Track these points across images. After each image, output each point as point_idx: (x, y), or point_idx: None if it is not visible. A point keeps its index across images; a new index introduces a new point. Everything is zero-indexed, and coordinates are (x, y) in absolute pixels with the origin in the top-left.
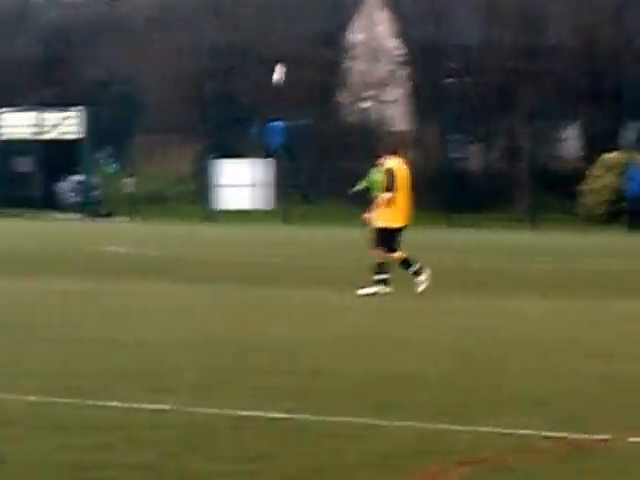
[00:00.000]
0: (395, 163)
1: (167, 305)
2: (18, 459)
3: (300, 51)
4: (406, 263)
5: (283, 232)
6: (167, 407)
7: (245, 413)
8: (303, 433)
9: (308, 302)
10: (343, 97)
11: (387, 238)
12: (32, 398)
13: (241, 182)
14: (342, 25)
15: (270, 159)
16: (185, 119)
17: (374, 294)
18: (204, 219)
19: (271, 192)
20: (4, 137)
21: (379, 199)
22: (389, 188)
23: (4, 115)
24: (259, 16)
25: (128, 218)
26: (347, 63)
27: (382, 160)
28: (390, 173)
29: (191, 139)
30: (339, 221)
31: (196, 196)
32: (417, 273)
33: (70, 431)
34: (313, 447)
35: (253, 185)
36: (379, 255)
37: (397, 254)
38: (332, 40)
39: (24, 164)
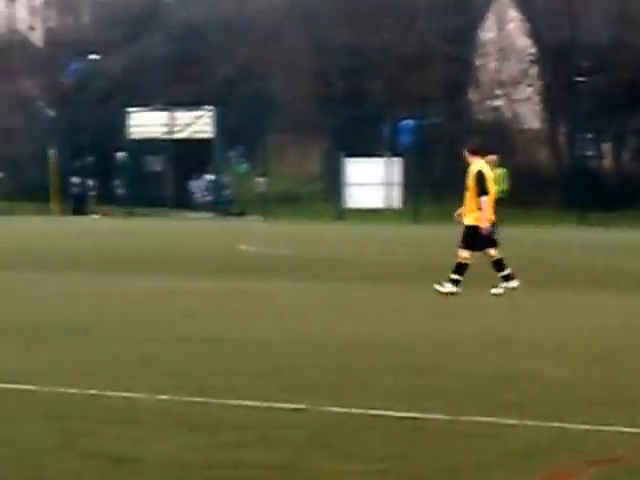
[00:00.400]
0: (481, 164)
1: (297, 304)
2: (150, 458)
3: (432, 49)
4: (464, 268)
5: (413, 231)
6: (299, 406)
7: (375, 412)
8: (433, 432)
9: (433, 301)
10: (474, 95)
11: (480, 235)
12: (163, 397)
13: (371, 181)
14: (474, 23)
15: (400, 158)
16: (316, 118)
17: (503, 292)
18: (335, 218)
19: (401, 191)
20: (134, 136)
21: (481, 204)
22: (484, 191)
23: (134, 115)
24: (391, 15)
25: (262, 217)
26: (478, 61)
27: (467, 159)
28: (481, 176)
29: (321, 138)
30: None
31: (327, 195)
32: (455, 282)
33: (201, 430)
34: (444, 447)
35: (383, 184)
36: (490, 255)
37: (469, 253)
38: (464, 38)
39: (155, 163)
